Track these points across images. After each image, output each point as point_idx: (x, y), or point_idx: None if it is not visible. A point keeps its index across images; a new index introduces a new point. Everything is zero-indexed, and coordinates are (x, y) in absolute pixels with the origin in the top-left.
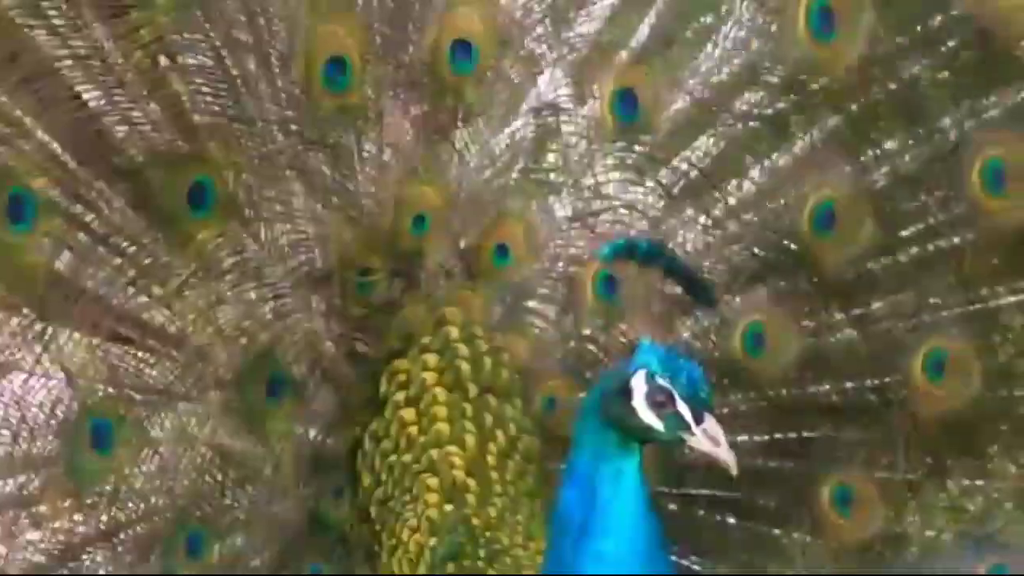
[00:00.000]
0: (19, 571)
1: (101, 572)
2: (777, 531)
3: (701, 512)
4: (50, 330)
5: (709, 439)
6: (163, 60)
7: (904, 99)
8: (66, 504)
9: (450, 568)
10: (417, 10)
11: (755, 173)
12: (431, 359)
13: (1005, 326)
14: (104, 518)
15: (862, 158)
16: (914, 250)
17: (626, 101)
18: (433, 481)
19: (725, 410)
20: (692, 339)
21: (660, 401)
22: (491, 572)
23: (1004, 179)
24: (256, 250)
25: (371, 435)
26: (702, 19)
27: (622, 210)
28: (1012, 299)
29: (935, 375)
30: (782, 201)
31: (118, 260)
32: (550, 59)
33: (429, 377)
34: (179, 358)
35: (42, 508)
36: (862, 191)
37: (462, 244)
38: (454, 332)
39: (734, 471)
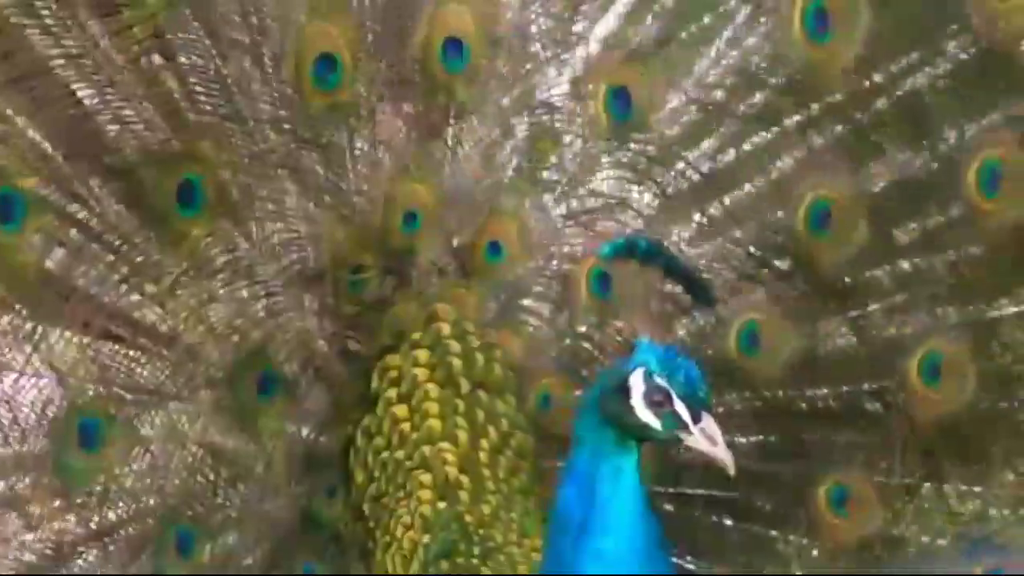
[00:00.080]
0: (9, 571)
1: (92, 572)
2: (774, 533)
3: (698, 513)
4: (40, 329)
5: (706, 438)
6: (156, 59)
7: (904, 102)
8: (56, 504)
9: (443, 565)
10: (408, 8)
11: (751, 172)
12: (422, 355)
13: (1005, 343)
14: (95, 518)
15: (860, 159)
16: (911, 251)
17: (620, 99)
18: (426, 478)
19: (721, 410)
20: (688, 337)
21: (658, 400)
22: (485, 570)
23: (1000, 180)
24: (248, 248)
25: (363, 431)
26: (699, 19)
27: (617, 208)
28: (1012, 310)
29: (931, 379)
30: (778, 201)
31: (110, 258)
32: (545, 57)
33: (421, 373)
34: (170, 357)
35: (33, 508)
36: (858, 191)
37: (455, 242)
38: (445, 328)
39: (731, 471)
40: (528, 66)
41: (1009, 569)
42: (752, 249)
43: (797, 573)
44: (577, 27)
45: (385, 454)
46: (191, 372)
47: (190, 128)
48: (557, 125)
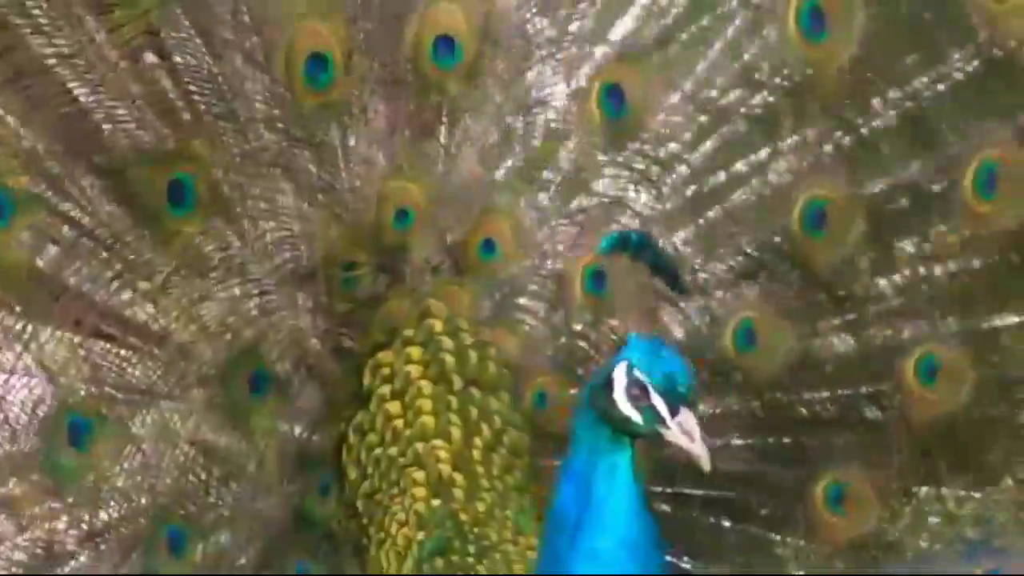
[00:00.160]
0: (1, 572)
1: (85, 573)
2: (772, 535)
3: (695, 513)
4: (31, 328)
5: (683, 433)
6: (150, 58)
7: (903, 103)
8: (48, 504)
9: (438, 563)
10: (400, 6)
11: (747, 171)
12: (415, 352)
13: (1004, 347)
14: (87, 517)
15: (857, 160)
16: (911, 257)
17: (614, 97)
18: (420, 475)
19: (718, 411)
20: (685, 336)
21: (636, 394)
22: (480, 568)
23: (997, 182)
24: (240, 247)
25: (355, 429)
26: (695, 18)
27: (613, 207)
28: (1013, 320)
29: (928, 379)
30: (774, 201)
31: (101, 256)
32: (540, 55)
33: (414, 370)
34: (162, 356)
35: (25, 509)
36: (854, 191)
37: (448, 239)
38: (438, 325)
39: (707, 467)
40: (523, 64)
41: (1008, 570)
42: (748, 248)
43: (795, 573)
44: (572, 26)
45: (378, 451)
46: (183, 371)
47: (182, 127)
48: (552, 124)
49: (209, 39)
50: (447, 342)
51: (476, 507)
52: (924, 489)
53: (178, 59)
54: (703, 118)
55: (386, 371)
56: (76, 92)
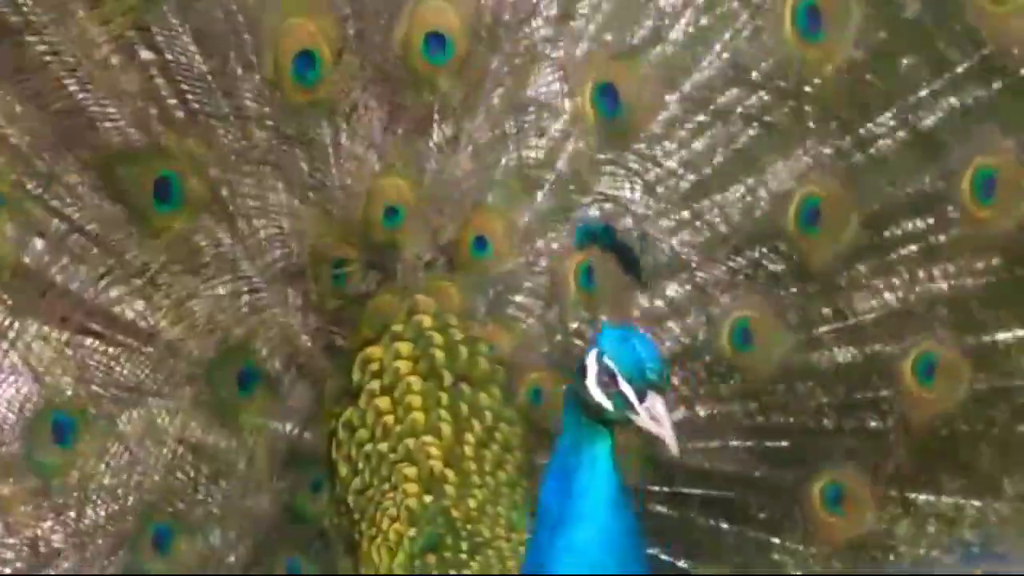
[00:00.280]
0: None
1: (72, 574)
2: (770, 538)
3: (693, 514)
4: (17, 325)
5: (651, 418)
6: (143, 54)
7: (901, 105)
8: (35, 505)
9: (430, 559)
10: (391, 3)
11: (743, 169)
12: (404, 347)
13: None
14: (73, 515)
15: (854, 160)
16: (910, 262)
17: (608, 96)
18: (411, 471)
19: (715, 411)
20: (683, 336)
21: (606, 381)
22: (474, 564)
23: (994, 187)
24: (231, 244)
25: (345, 424)
26: (692, 18)
27: (607, 205)
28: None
29: (926, 379)
30: (769, 199)
31: (89, 253)
32: (534, 54)
33: (403, 366)
34: (150, 353)
35: (12, 509)
36: (850, 190)
37: (441, 237)
38: (427, 320)
39: (675, 450)
40: (517, 62)
41: (1008, 572)
42: (744, 247)
43: (794, 574)
44: (568, 24)
45: (369, 447)
46: (171, 368)
47: (172, 124)
48: (546, 122)
49: (199, 36)
50: (437, 337)
51: (468, 503)
52: (923, 496)
53: (168, 56)
54: (699, 117)
55: (375, 366)
56: (65, 88)
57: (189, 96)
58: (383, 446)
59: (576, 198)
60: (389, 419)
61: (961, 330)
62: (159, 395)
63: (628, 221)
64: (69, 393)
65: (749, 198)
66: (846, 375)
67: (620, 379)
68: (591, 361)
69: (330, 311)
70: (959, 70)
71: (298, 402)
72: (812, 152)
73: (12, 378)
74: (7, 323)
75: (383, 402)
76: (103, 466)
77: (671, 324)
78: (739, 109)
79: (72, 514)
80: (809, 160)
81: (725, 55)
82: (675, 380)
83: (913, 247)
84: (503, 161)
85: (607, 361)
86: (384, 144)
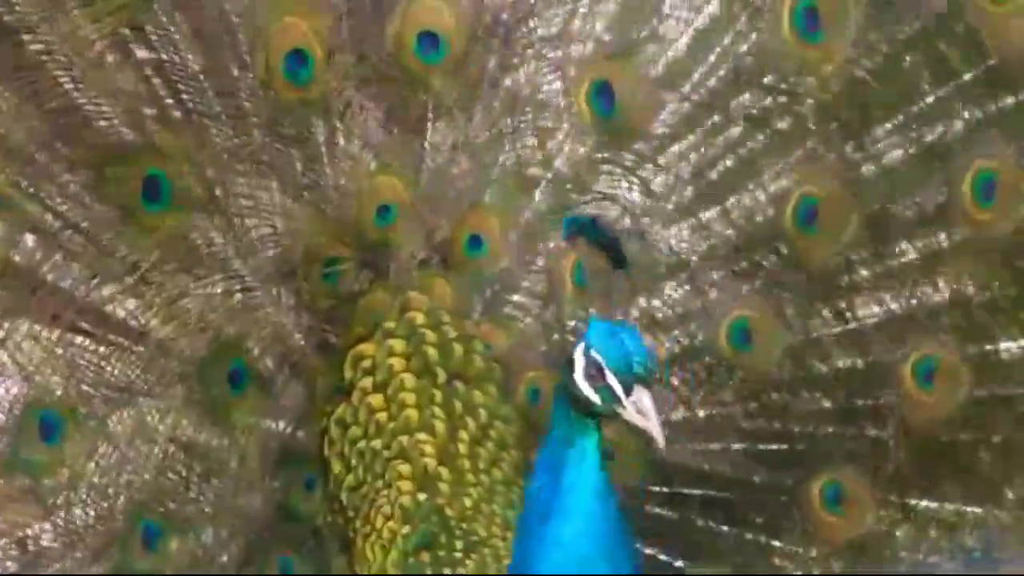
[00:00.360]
0: None
1: (62, 574)
2: (768, 540)
3: (693, 516)
4: (7, 324)
5: (638, 412)
6: (138, 53)
7: (900, 106)
8: (22, 504)
9: (424, 557)
10: (383, 1)
11: (741, 169)
12: (397, 345)
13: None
14: (62, 514)
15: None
16: (912, 269)
17: (604, 95)
18: (405, 468)
19: (714, 412)
20: (681, 335)
21: (593, 374)
22: (469, 563)
23: (994, 189)
24: (223, 243)
25: (337, 422)
26: (689, 17)
27: (604, 204)
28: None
29: (925, 382)
30: (767, 198)
31: (80, 251)
32: (530, 53)
33: (396, 363)
34: (141, 353)
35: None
36: (848, 189)
37: (435, 235)
38: (419, 318)
39: (661, 444)
40: (514, 61)
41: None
42: (742, 247)
43: (793, 574)
44: (563, 23)
45: (362, 443)
46: (163, 367)
47: (164, 123)
48: (543, 121)
49: (192, 35)
50: (430, 335)
51: (463, 502)
52: (924, 503)
53: (162, 55)
54: (697, 116)
55: (367, 363)
56: (61, 87)
57: (182, 95)
58: (376, 443)
59: (574, 197)
60: (382, 416)
61: (963, 338)
62: (150, 394)
63: (626, 220)
64: (59, 393)
65: (748, 197)
66: (846, 380)
67: (607, 372)
68: (579, 355)
69: (323, 310)
70: (965, 79)
71: (291, 401)
72: (811, 152)
73: (1, 378)
74: None
75: (376, 399)
76: (93, 465)
77: (670, 324)
78: (738, 109)
79: (62, 514)
80: (808, 160)
81: (723, 55)
82: (675, 380)
83: (914, 253)
84: (499, 160)
85: (594, 354)
86: (378, 143)
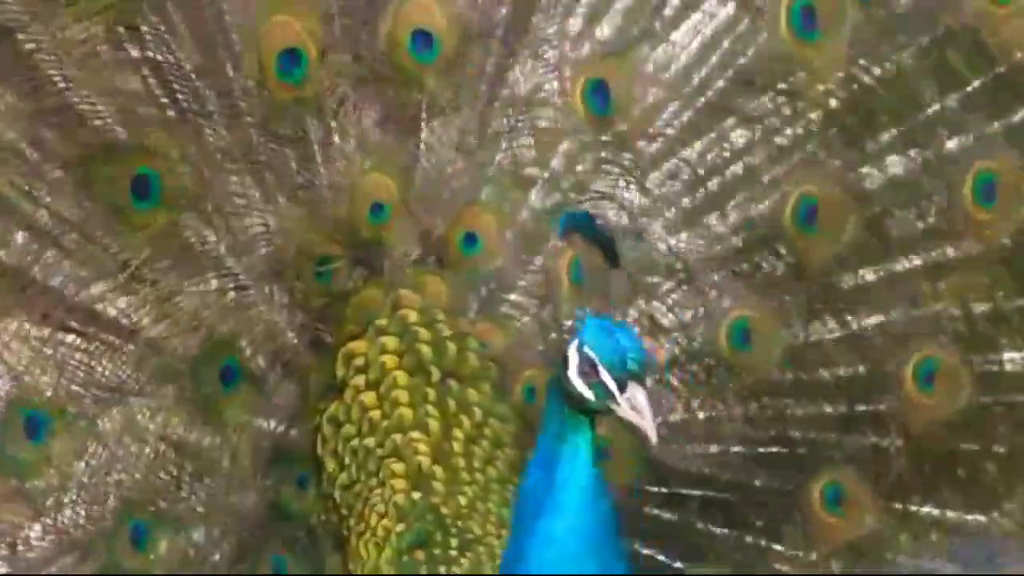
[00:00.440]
0: None
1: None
2: (769, 544)
3: (691, 518)
4: None
5: (632, 409)
6: (132, 53)
7: (902, 110)
8: (11, 505)
9: (419, 555)
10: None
11: (737, 169)
12: (390, 342)
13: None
14: (51, 514)
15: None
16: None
17: (599, 93)
18: (399, 467)
19: (713, 413)
20: (680, 336)
21: (587, 371)
22: (464, 561)
23: (995, 191)
24: (216, 241)
25: (330, 419)
26: (686, 16)
27: (601, 203)
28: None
29: (926, 385)
30: (766, 199)
31: (72, 250)
32: (526, 51)
33: (389, 361)
34: (132, 351)
35: None
36: (848, 190)
37: (430, 234)
38: (412, 316)
39: (654, 441)
40: (509, 60)
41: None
42: (741, 246)
43: (792, 574)
44: (559, 22)
45: (355, 442)
46: (153, 366)
47: (157, 121)
48: (538, 120)
49: (184, 33)
50: (423, 333)
51: (458, 500)
52: (925, 509)
53: (156, 54)
54: (695, 116)
55: (359, 361)
56: (55, 86)
57: (176, 94)
58: (370, 441)
59: (571, 196)
60: (375, 414)
61: (967, 347)
62: (141, 393)
63: (623, 219)
64: (49, 394)
65: (748, 198)
66: (847, 386)
67: (601, 369)
68: (573, 351)
69: (316, 308)
70: (972, 87)
71: (283, 399)
72: (811, 155)
73: None
74: None
75: (369, 397)
76: (83, 465)
77: (669, 324)
78: (736, 109)
79: (51, 514)
80: (808, 162)
81: (722, 54)
82: (674, 381)
83: (918, 259)
84: (495, 159)
85: (588, 351)
86: (372, 142)
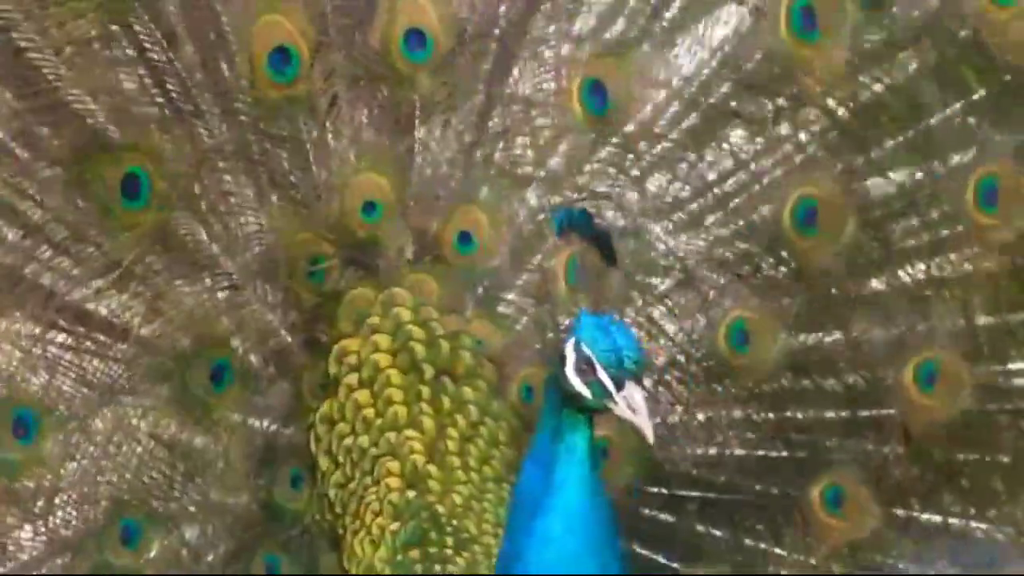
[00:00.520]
0: None
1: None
2: (769, 548)
3: (691, 520)
4: None
5: (628, 407)
6: (127, 51)
7: (898, 107)
8: (3, 506)
9: (414, 554)
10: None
11: (735, 168)
12: (383, 340)
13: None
14: (42, 515)
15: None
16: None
17: (597, 93)
18: (393, 465)
19: (711, 414)
20: (679, 336)
21: (584, 369)
22: (460, 560)
23: (997, 195)
24: (208, 241)
25: (323, 418)
26: (687, 17)
27: (599, 202)
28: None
29: (927, 386)
30: (766, 200)
31: (63, 249)
32: (524, 51)
33: (382, 359)
34: (124, 351)
35: None
36: (845, 190)
37: (424, 232)
38: (405, 314)
39: (650, 440)
40: (507, 59)
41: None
42: (740, 247)
43: (791, 574)
44: (555, 22)
45: (349, 440)
46: (145, 366)
47: (150, 120)
48: (535, 120)
49: (176, 32)
50: (416, 331)
51: (453, 499)
52: (926, 516)
53: (150, 54)
54: (694, 116)
55: (352, 359)
56: (43, 84)
57: (170, 93)
58: (364, 440)
59: (568, 195)
60: (369, 412)
61: (971, 357)
62: (132, 393)
63: (621, 219)
64: (39, 395)
65: (745, 197)
66: (848, 391)
67: (598, 367)
68: (570, 349)
69: (309, 307)
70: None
71: (277, 398)
72: (812, 157)
73: None
74: None
75: (362, 396)
76: (74, 464)
77: (667, 324)
78: (734, 109)
79: (42, 514)
80: (809, 164)
81: (720, 54)
82: (672, 382)
83: (922, 266)
84: (492, 158)
85: (585, 349)
86: (365, 141)
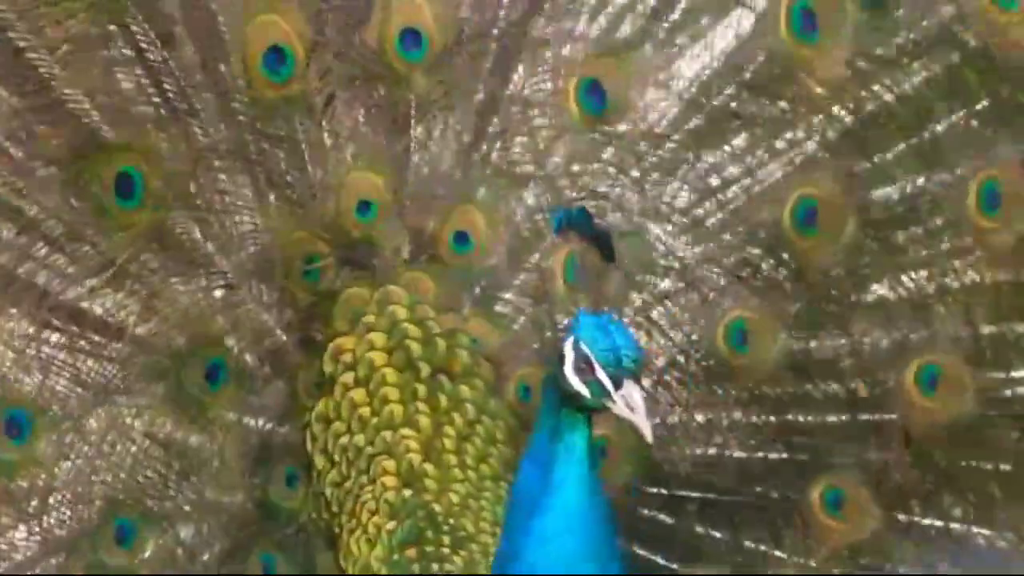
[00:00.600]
0: None
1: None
2: (769, 550)
3: (691, 521)
4: None
5: (627, 406)
6: (126, 52)
7: (905, 115)
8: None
9: (410, 552)
10: None
11: (735, 170)
12: (378, 339)
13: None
14: (36, 515)
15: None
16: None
17: (594, 93)
18: (390, 464)
19: (711, 416)
20: (678, 335)
21: (582, 367)
22: (457, 559)
23: (999, 198)
24: (203, 240)
25: (319, 417)
26: (686, 17)
27: (597, 202)
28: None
29: (928, 389)
30: (766, 200)
31: (58, 248)
32: (521, 51)
33: (378, 357)
34: (119, 350)
35: None
36: (845, 191)
37: (421, 232)
38: (400, 312)
39: (649, 439)
40: (505, 59)
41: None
42: (739, 247)
43: (790, 574)
44: (554, 22)
45: (345, 439)
46: (140, 365)
47: (145, 119)
48: (533, 119)
49: (172, 32)
50: (412, 330)
51: (450, 498)
52: (927, 521)
53: (146, 53)
54: (693, 116)
55: (348, 358)
56: (38, 83)
57: (166, 93)
58: (359, 439)
59: (566, 195)
60: (365, 411)
61: (974, 365)
62: (127, 392)
63: (619, 219)
64: (34, 395)
65: (744, 197)
66: (849, 395)
67: (596, 366)
68: (568, 348)
69: (304, 306)
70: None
71: (272, 397)
72: (812, 157)
73: None
74: None
75: (358, 394)
76: (68, 464)
77: (667, 324)
78: (734, 109)
79: (36, 514)
80: (809, 165)
81: (720, 54)
82: (671, 382)
83: (924, 271)
84: (490, 157)
85: (584, 348)
86: (361, 140)
